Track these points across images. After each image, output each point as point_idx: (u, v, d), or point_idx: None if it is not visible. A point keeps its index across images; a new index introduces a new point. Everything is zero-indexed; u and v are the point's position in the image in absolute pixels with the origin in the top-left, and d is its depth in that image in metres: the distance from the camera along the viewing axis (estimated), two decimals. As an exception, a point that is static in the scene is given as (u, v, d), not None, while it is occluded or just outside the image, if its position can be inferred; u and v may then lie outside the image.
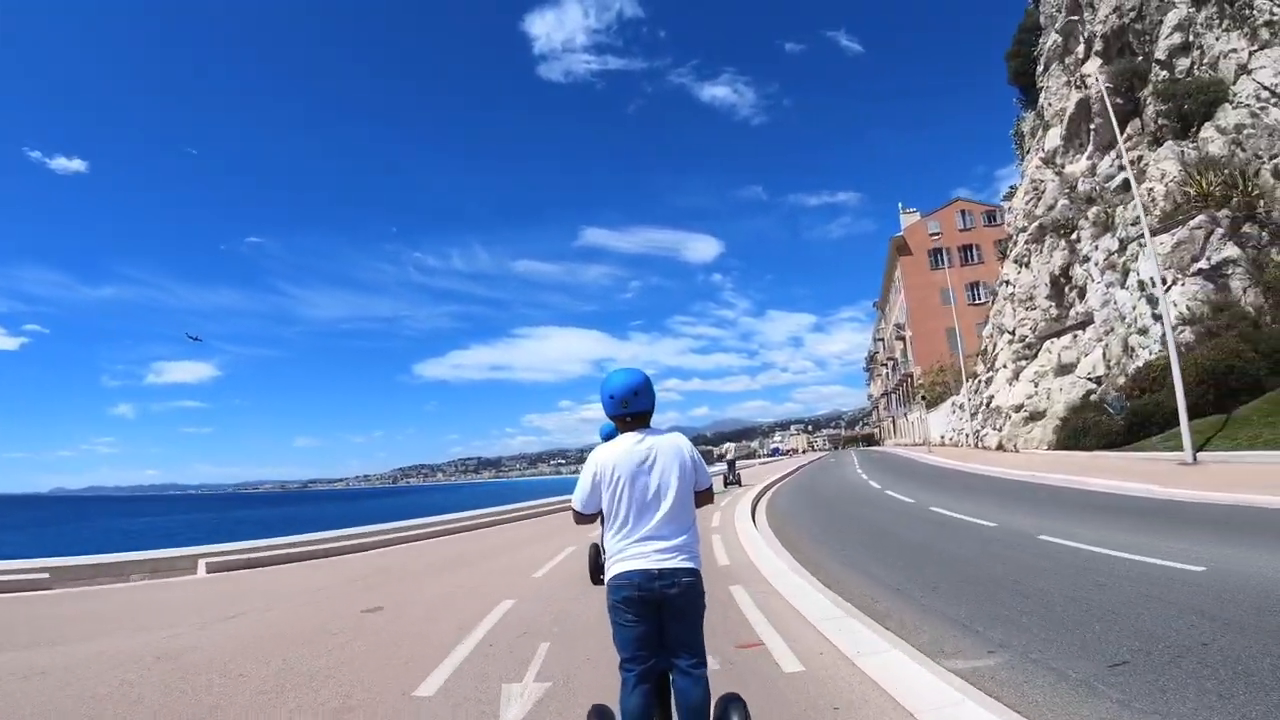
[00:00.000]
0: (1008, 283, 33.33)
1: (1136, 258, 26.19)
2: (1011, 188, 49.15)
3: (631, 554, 2.75)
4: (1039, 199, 36.97)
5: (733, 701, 2.69)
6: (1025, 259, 32.85)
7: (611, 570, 2.79)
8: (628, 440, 2.88)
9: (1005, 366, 30.85)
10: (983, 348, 38.81)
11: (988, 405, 30.20)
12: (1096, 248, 29.80)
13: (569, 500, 3.17)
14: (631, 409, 2.92)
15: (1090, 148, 35.66)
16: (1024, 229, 35.94)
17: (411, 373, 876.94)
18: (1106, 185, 33.02)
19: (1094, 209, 31.50)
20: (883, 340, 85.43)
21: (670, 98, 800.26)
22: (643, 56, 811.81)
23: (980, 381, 35.42)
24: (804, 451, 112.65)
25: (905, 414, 63.96)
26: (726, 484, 24.85)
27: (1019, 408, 26.74)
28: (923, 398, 50.09)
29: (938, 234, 56.13)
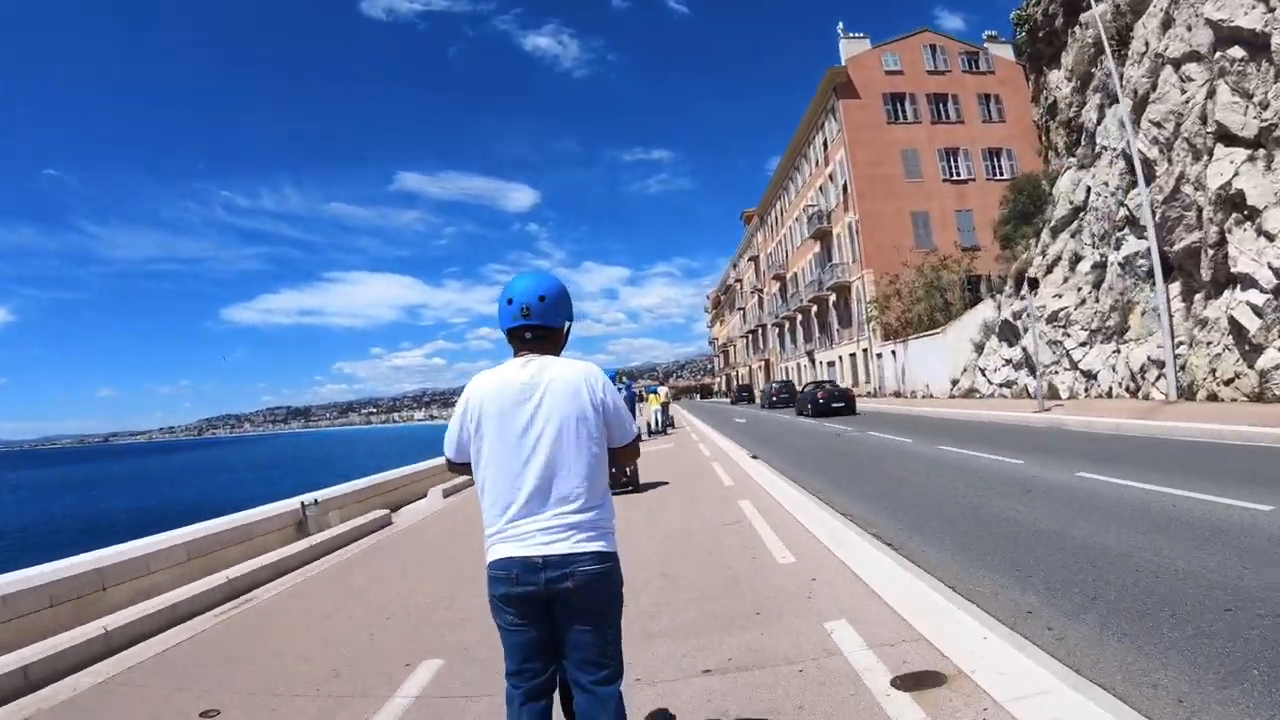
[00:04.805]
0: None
1: None
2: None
3: (509, 534, 2.10)
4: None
5: None
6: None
7: (488, 555, 2.15)
8: (511, 366, 2.20)
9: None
10: (1081, 216, 21.25)
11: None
12: None
13: None
14: (535, 320, 2.20)
15: None
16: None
17: (219, 318, 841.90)
18: None
19: None
20: (756, 260, 68.84)
21: (492, 43, 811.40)
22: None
23: (1123, 262, 17.78)
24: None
25: (813, 352, 47.14)
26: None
27: None
28: (880, 323, 32.84)
29: (898, 72, 38.84)
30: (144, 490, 46.58)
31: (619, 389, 14.73)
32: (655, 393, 24.78)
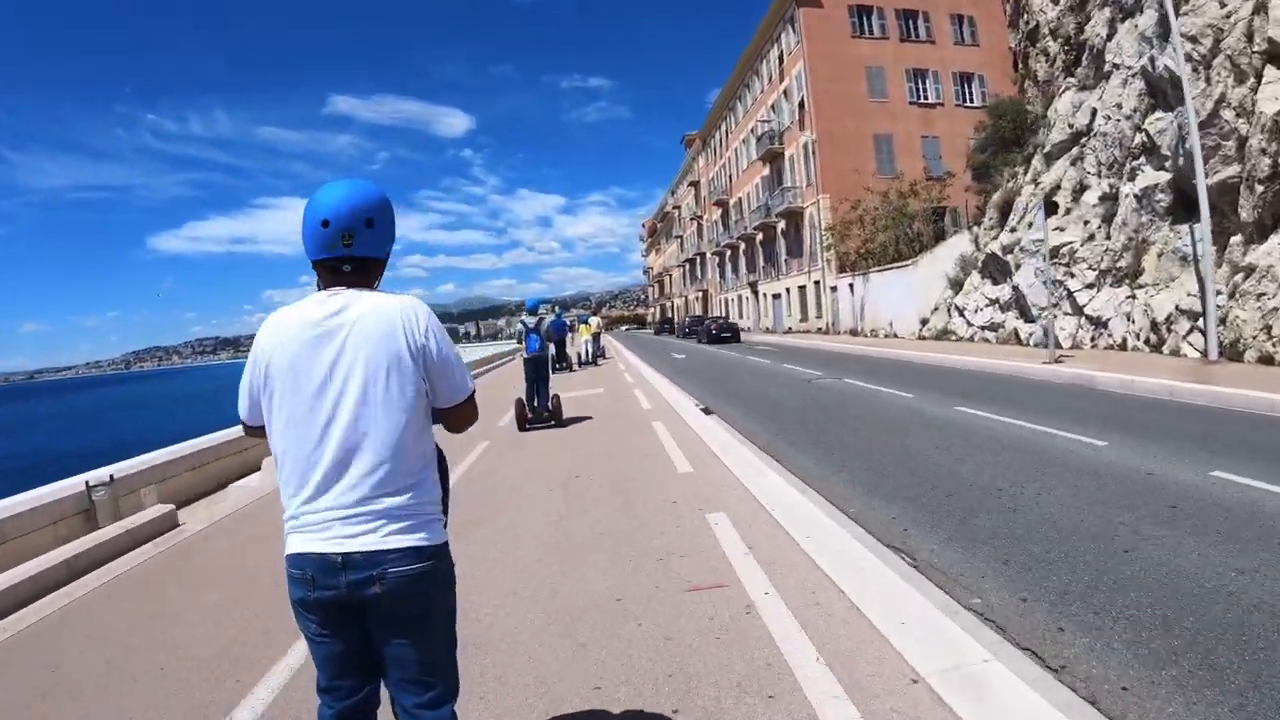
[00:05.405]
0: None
1: None
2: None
3: (304, 521, 1.60)
4: None
5: None
6: None
7: (285, 547, 1.65)
8: (310, 303, 1.65)
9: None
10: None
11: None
12: None
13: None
14: (359, 250, 1.64)
15: None
16: None
17: (147, 247, 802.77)
18: None
19: None
20: (696, 185, 65.46)
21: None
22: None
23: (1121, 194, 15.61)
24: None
25: (756, 283, 44.63)
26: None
27: None
28: (838, 253, 30.40)
29: (867, -20, 35.54)
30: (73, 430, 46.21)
31: (550, 317, 12.64)
32: (586, 323, 25.36)
